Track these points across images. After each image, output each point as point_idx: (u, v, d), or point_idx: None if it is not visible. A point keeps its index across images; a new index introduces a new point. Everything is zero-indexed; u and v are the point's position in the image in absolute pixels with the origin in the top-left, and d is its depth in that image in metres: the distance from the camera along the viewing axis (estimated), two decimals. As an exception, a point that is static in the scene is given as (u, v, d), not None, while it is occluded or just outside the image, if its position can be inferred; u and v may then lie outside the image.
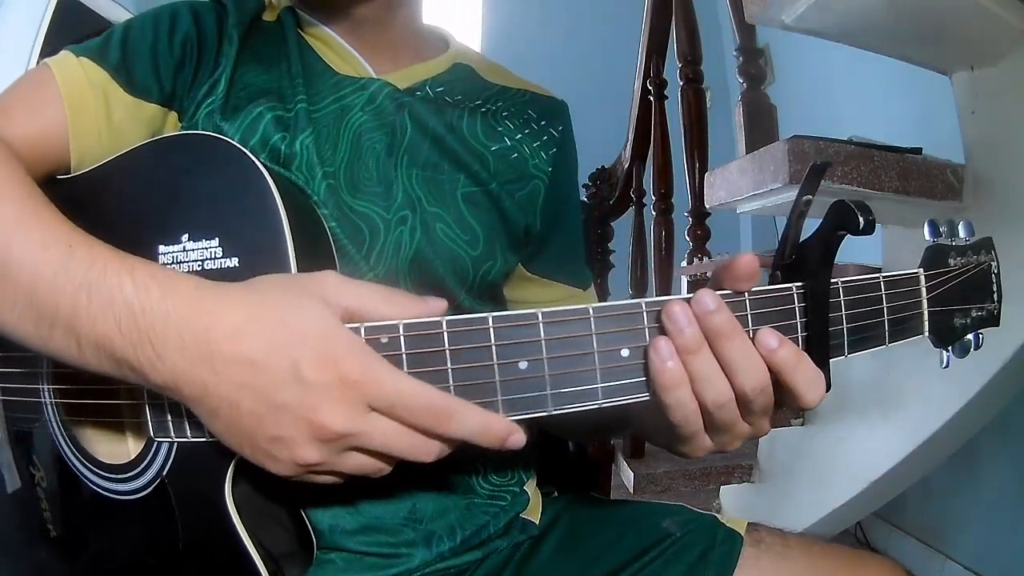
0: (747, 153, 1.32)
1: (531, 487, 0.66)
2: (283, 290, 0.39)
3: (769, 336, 0.38)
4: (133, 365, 0.37)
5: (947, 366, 0.48)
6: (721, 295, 0.38)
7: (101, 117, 0.52)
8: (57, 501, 0.52)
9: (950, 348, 0.48)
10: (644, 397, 0.39)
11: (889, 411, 1.30)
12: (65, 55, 0.53)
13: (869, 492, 1.33)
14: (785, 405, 0.41)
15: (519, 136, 0.63)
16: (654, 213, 1.75)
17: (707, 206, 1.49)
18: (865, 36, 1.17)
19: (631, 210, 2.03)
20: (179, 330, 0.36)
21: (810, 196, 0.39)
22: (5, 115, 0.50)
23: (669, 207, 1.74)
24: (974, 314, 0.48)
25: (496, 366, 0.38)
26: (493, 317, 0.38)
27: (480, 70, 0.67)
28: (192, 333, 0.36)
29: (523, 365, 0.37)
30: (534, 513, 0.65)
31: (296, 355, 0.36)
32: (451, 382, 0.38)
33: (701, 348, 0.37)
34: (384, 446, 0.37)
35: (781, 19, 1.10)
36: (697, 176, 1.59)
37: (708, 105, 1.72)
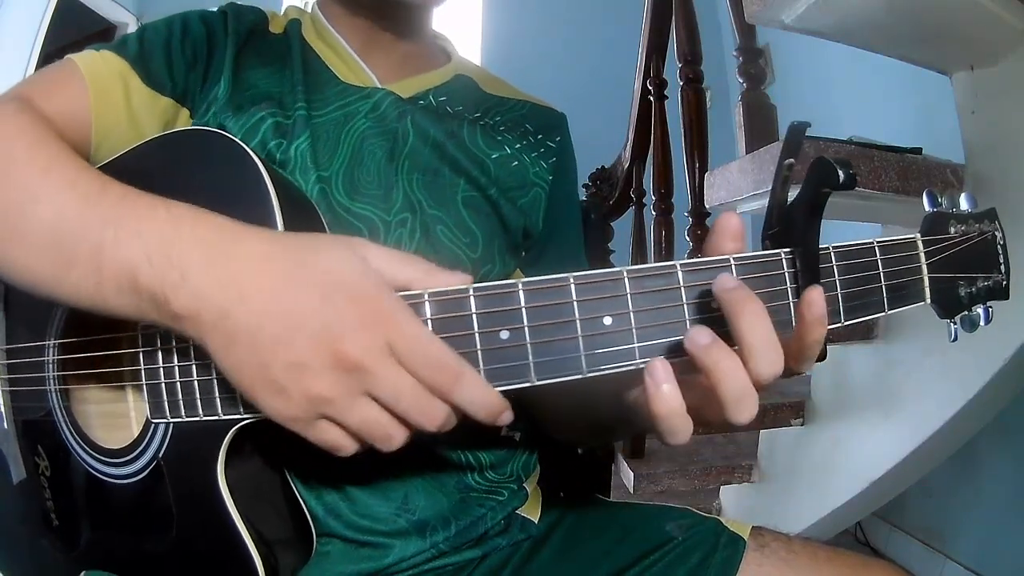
0: (747, 153, 1.32)
1: (531, 485, 0.66)
2: (314, 236, 0.39)
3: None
4: (155, 292, 0.37)
5: (955, 339, 0.45)
6: (707, 260, 0.38)
7: (121, 101, 0.55)
8: (60, 489, 0.53)
9: (957, 320, 0.46)
10: (629, 365, 0.38)
11: (889, 411, 1.30)
12: (86, 51, 0.56)
13: (869, 492, 1.33)
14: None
15: (518, 146, 0.66)
16: (654, 213, 1.74)
17: (707, 206, 1.48)
18: (865, 36, 1.16)
19: (631, 210, 2.03)
20: (208, 253, 0.37)
21: (792, 160, 0.38)
22: (35, 95, 0.52)
23: (669, 207, 1.74)
24: (980, 284, 0.45)
25: (477, 335, 0.37)
26: (473, 288, 0.37)
27: (480, 82, 0.70)
28: (223, 255, 0.37)
29: (504, 335, 0.37)
30: (533, 511, 0.65)
31: (329, 289, 0.36)
32: (434, 351, 0.37)
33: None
34: (394, 396, 0.36)
35: (781, 19, 1.10)
36: (697, 176, 1.59)
37: (708, 105, 1.72)
